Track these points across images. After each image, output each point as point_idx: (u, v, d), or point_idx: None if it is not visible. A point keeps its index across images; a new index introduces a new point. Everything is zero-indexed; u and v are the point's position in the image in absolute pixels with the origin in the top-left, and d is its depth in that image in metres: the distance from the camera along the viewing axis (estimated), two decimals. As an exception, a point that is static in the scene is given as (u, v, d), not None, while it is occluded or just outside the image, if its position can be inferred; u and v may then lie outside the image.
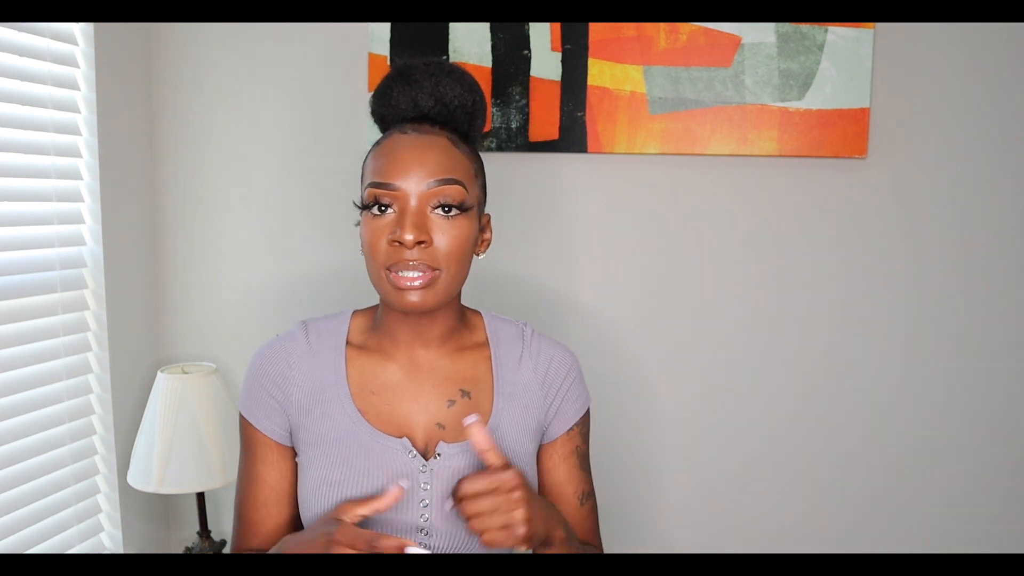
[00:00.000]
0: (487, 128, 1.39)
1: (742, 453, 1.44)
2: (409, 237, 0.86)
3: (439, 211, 0.89)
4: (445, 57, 1.39)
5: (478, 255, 0.96)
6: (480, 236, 0.95)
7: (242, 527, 0.98)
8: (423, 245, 0.87)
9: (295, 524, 0.99)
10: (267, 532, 0.97)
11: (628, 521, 1.47)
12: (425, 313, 0.92)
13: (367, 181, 0.91)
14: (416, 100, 0.93)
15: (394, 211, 0.89)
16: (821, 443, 1.42)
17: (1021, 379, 1.37)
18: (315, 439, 0.94)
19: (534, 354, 1.01)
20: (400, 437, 0.93)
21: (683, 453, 1.46)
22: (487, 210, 0.99)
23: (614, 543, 1.37)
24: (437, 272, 0.89)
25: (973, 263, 1.35)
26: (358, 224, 0.95)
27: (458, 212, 0.89)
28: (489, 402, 0.98)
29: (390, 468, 0.92)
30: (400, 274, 0.88)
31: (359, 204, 0.92)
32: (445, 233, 0.89)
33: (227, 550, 1.53)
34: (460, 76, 0.95)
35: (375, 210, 0.89)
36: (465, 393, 0.97)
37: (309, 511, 0.93)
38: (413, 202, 0.88)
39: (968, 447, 1.39)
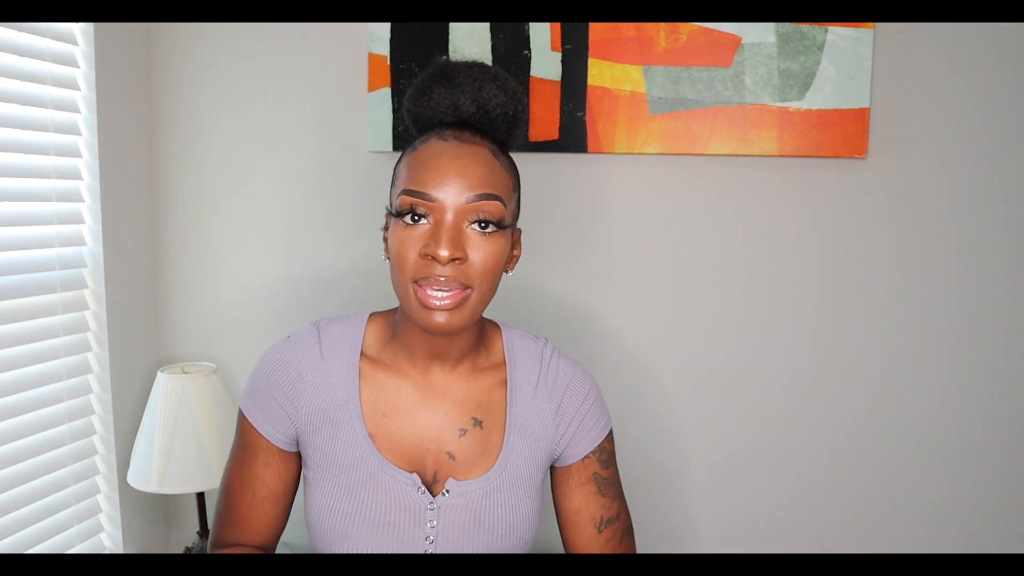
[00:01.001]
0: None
1: (742, 452, 1.44)
2: (444, 253, 0.82)
3: (475, 227, 0.84)
4: (445, 57, 1.38)
5: (507, 272, 0.92)
6: (510, 252, 0.91)
7: (231, 519, 0.97)
8: (457, 262, 0.83)
9: (284, 522, 0.99)
10: (259, 528, 0.96)
11: (641, 516, 1.47)
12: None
13: (401, 187, 0.86)
14: (457, 104, 0.89)
15: (428, 222, 0.84)
16: (823, 441, 1.42)
17: (1019, 379, 1.37)
18: (324, 460, 0.93)
19: (550, 381, 0.97)
20: (411, 471, 0.92)
21: (684, 451, 1.46)
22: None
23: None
24: (468, 291, 0.85)
25: (972, 263, 1.35)
26: (385, 228, 0.91)
27: (495, 229, 0.85)
28: (500, 433, 0.95)
29: (398, 502, 0.91)
30: (429, 292, 0.83)
31: (391, 210, 0.88)
32: (480, 250, 0.84)
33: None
34: (504, 82, 0.91)
35: (408, 219, 0.85)
36: (478, 422, 0.94)
37: (315, 532, 0.92)
38: (450, 216, 0.83)
39: (966, 447, 1.39)
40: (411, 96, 0.93)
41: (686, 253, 1.42)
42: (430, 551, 0.91)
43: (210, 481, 1.35)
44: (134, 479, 1.36)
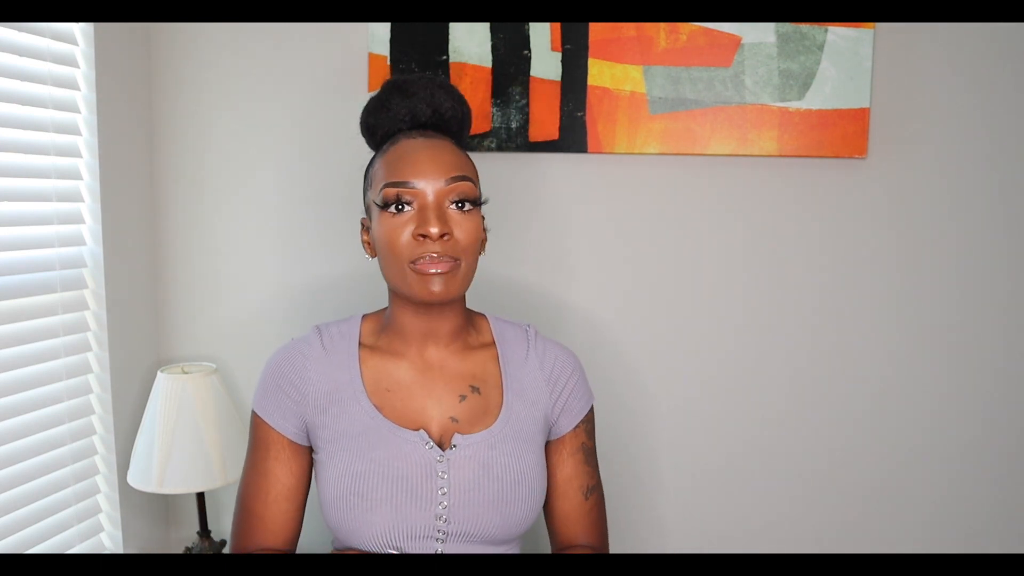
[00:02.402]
0: (487, 128, 1.39)
1: (743, 452, 1.44)
2: (435, 230, 0.91)
3: (454, 207, 0.95)
4: (445, 57, 1.39)
5: (481, 253, 1.01)
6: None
7: (248, 522, 1.01)
8: (446, 238, 0.93)
9: (299, 520, 1.03)
10: (275, 528, 1.00)
11: (624, 515, 1.47)
12: (437, 307, 0.98)
13: (382, 183, 0.95)
14: (413, 110, 1.00)
15: (413, 208, 0.94)
16: (823, 441, 1.42)
17: (1019, 379, 1.37)
18: (334, 435, 0.99)
19: (539, 353, 1.06)
20: (417, 430, 0.98)
21: (684, 453, 1.46)
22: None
23: (616, 537, 1.37)
24: (458, 262, 0.94)
25: (972, 263, 1.35)
26: (364, 230, 1.00)
27: (471, 207, 0.96)
28: (499, 397, 1.02)
29: (409, 459, 0.96)
30: (425, 265, 0.93)
31: (377, 203, 0.96)
32: (462, 226, 0.95)
33: (227, 547, 1.53)
34: (450, 89, 1.03)
35: (392, 209, 0.94)
36: (475, 388, 1.02)
37: (331, 502, 0.96)
38: (431, 198, 0.94)
39: (966, 447, 1.39)
40: (368, 111, 1.04)
41: (686, 253, 1.42)
42: (444, 503, 0.95)
43: (210, 481, 1.35)
44: (134, 479, 1.36)
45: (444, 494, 0.95)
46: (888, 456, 1.41)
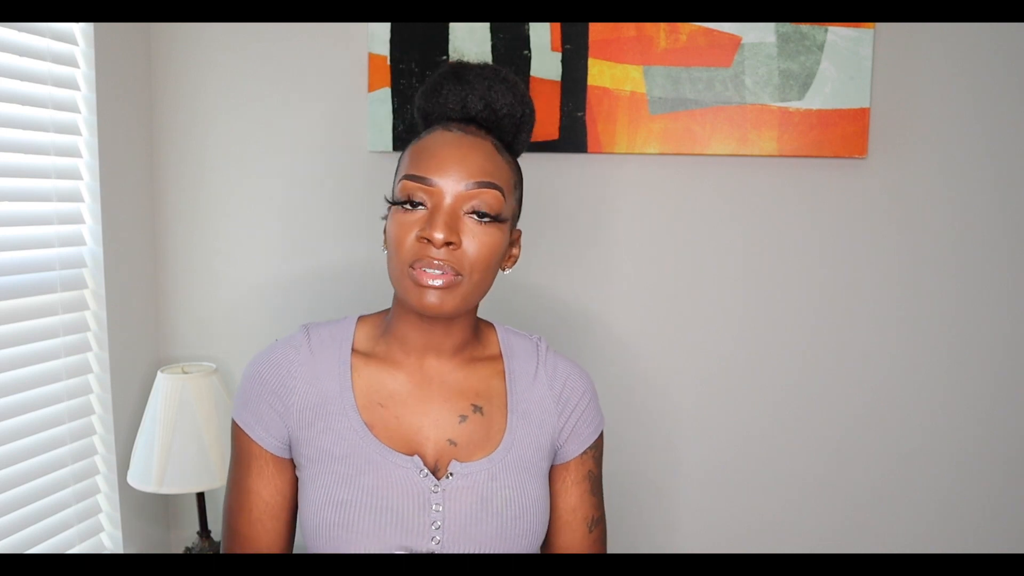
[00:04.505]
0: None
1: (743, 452, 1.44)
2: (439, 236, 0.82)
3: (473, 216, 0.85)
4: (445, 57, 1.39)
5: (504, 270, 0.93)
6: (508, 250, 0.92)
7: (234, 541, 0.94)
8: (451, 247, 0.84)
9: (289, 538, 0.95)
10: (261, 547, 0.93)
11: (638, 517, 1.47)
12: (441, 320, 0.89)
13: (402, 173, 0.87)
14: (465, 101, 0.90)
15: (426, 208, 0.85)
16: (823, 442, 1.42)
17: (1019, 379, 1.37)
18: (318, 454, 0.89)
19: (550, 370, 0.97)
20: (411, 454, 0.89)
21: (685, 451, 1.46)
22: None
23: (623, 538, 1.37)
24: (459, 278, 0.85)
25: (972, 263, 1.35)
26: (384, 218, 0.92)
27: (492, 220, 0.86)
28: (503, 418, 0.93)
29: (400, 487, 0.87)
30: (423, 271, 0.84)
31: (389, 199, 0.89)
32: (475, 239, 0.85)
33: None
34: (513, 85, 0.92)
35: (407, 204, 0.86)
36: (477, 408, 0.93)
37: (311, 531, 0.88)
38: (448, 201, 0.84)
39: (966, 447, 1.39)
40: (423, 93, 0.94)
41: (686, 253, 1.42)
42: (437, 538, 0.87)
43: (210, 481, 1.35)
44: (134, 479, 1.36)
45: (437, 528, 0.86)
46: (889, 456, 1.41)
